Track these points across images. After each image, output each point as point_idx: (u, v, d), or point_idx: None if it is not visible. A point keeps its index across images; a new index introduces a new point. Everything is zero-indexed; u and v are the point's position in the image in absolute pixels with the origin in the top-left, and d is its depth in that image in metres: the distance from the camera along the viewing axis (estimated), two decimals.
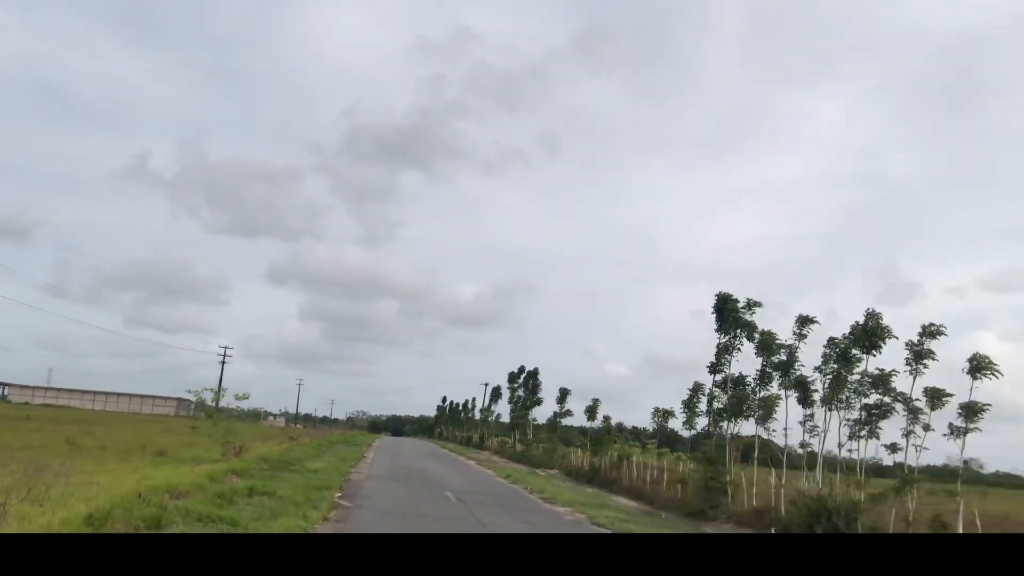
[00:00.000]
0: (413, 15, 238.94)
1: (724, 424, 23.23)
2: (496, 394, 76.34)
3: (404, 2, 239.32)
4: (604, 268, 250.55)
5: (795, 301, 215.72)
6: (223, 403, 38.14)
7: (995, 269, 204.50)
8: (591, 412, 40.80)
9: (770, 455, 22.68)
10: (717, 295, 23.72)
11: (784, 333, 21.06)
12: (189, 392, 46.17)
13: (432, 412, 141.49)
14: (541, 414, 57.70)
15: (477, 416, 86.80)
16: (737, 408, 22.14)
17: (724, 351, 23.31)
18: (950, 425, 15.89)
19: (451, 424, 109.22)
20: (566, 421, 51.79)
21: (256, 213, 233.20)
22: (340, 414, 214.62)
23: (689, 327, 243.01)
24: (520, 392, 61.08)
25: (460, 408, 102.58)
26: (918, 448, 17.12)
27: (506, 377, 65.76)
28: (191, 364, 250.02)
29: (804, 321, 20.64)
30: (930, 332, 16.74)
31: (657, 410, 30.06)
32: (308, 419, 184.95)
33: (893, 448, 17.22)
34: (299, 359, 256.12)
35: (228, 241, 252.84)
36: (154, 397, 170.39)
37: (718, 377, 23.66)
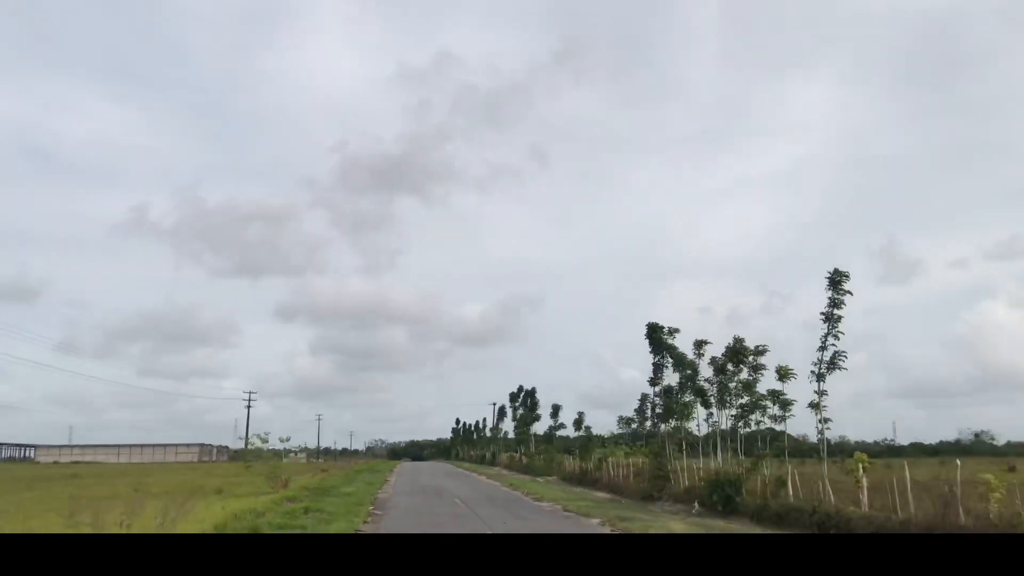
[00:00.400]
0: (394, 44, 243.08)
1: (662, 425, 29.65)
2: (502, 412, 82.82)
3: (384, 32, 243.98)
4: (606, 273, 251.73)
5: (798, 289, 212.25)
6: (265, 446, 43.99)
7: (997, 238, 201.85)
8: (577, 424, 47.72)
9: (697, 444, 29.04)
10: (648, 325, 30.05)
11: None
12: (241, 439, 52.47)
13: (448, 434, 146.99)
14: (543, 427, 64.26)
15: (488, 435, 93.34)
16: (668, 412, 28.55)
17: (658, 368, 29.73)
18: (772, 416, 22.41)
19: (465, 445, 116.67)
20: (565, 432, 58.36)
21: (258, 253, 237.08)
22: (358, 444, 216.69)
23: (697, 324, 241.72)
24: (520, 410, 67.85)
25: (472, 429, 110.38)
26: (822, 431, 23.15)
27: (512, 396, 72.44)
28: (205, 409, 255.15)
29: (699, 344, 27.15)
30: (782, 372, 22.62)
31: (621, 417, 36.49)
32: (328, 452, 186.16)
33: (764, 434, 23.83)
34: (313, 393, 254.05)
35: (233, 283, 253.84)
36: (176, 445, 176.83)
37: (657, 388, 30.13)
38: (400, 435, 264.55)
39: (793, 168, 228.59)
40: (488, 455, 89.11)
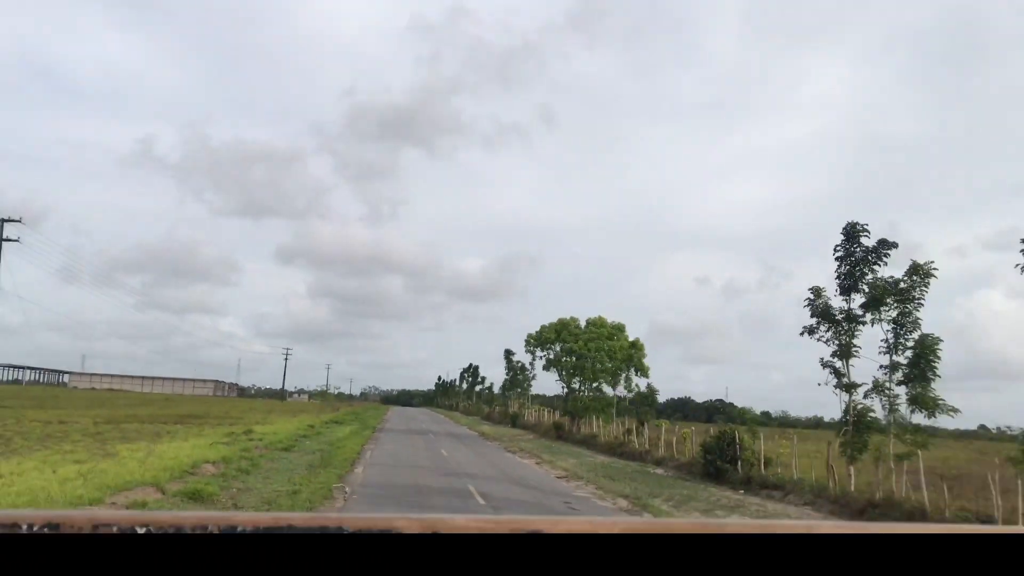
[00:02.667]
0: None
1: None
2: (463, 376, 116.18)
3: None
4: (607, 237, 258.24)
5: (796, 265, 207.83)
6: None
7: (998, 227, 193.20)
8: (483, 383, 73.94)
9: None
10: (505, 350, 54.73)
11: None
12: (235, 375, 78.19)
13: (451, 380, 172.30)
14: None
15: (457, 390, 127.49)
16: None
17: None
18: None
19: (443, 396, 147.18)
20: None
21: (261, 194, 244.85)
22: (354, 390, 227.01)
23: (694, 294, 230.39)
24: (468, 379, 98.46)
25: (449, 384, 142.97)
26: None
27: (501, 353, 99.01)
28: (200, 344, 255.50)
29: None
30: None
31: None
32: (324, 395, 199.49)
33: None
34: (310, 336, 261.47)
35: (235, 223, 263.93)
36: (194, 380, 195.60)
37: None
38: (393, 383, 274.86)
39: (801, 145, 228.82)
40: (456, 404, 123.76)
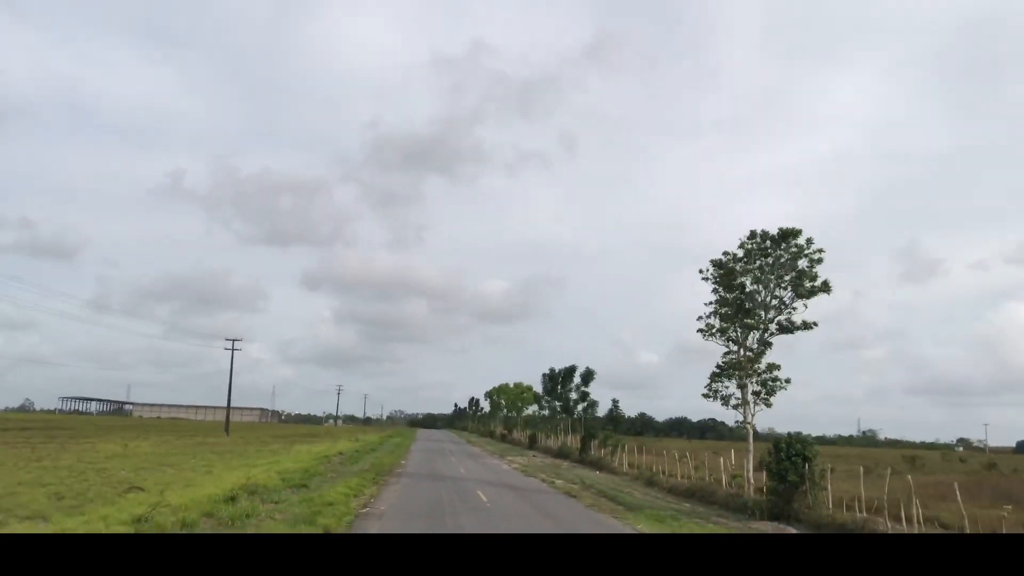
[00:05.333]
0: (430, 27, 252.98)
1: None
2: (475, 403, 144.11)
3: (421, 19, 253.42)
4: (630, 258, 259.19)
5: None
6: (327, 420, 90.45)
7: (1021, 242, 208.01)
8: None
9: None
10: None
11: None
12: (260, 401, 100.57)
13: (464, 406, 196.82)
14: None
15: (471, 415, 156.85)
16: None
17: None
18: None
19: (460, 420, 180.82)
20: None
21: (287, 222, 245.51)
22: (380, 413, 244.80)
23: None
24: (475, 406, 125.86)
25: (464, 409, 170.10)
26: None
27: (524, 375, 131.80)
28: (226, 371, 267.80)
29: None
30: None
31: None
32: (353, 420, 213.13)
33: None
34: (334, 361, 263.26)
35: (261, 250, 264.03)
36: (242, 408, 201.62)
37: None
38: (418, 406, 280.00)
39: (822, 162, 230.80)
40: (466, 426, 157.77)
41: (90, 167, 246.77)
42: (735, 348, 27.81)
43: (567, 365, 64.03)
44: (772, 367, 27.09)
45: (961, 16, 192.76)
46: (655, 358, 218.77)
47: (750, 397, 27.41)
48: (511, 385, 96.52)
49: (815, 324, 26.67)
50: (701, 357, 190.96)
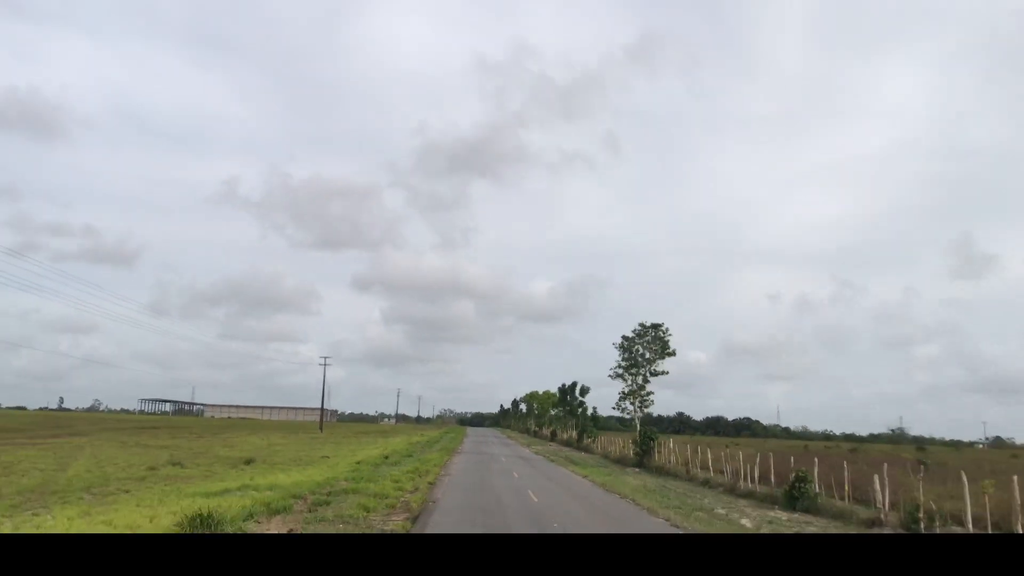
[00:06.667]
0: (473, 31, 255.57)
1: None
2: (516, 405, 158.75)
3: (463, 20, 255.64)
4: (676, 257, 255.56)
5: (872, 279, 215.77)
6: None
7: None
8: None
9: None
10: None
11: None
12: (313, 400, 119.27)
13: (506, 406, 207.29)
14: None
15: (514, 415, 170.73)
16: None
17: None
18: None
19: (504, 419, 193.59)
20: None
21: (338, 227, 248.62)
22: (431, 412, 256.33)
23: (765, 312, 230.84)
24: (522, 406, 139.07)
25: (509, 409, 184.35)
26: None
27: (570, 375, 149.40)
28: (281, 372, 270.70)
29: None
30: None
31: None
32: (405, 419, 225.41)
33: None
34: (383, 361, 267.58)
35: (313, 255, 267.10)
36: (303, 408, 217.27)
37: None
38: (467, 405, 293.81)
39: (874, 155, 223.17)
40: (511, 424, 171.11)
41: (147, 174, 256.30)
42: (629, 382, 54.99)
43: (571, 381, 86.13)
44: (647, 393, 54.73)
45: (1019, 2, 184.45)
46: (703, 356, 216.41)
47: (635, 407, 55.40)
48: (540, 392, 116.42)
49: (667, 372, 53.98)
50: (748, 357, 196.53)
